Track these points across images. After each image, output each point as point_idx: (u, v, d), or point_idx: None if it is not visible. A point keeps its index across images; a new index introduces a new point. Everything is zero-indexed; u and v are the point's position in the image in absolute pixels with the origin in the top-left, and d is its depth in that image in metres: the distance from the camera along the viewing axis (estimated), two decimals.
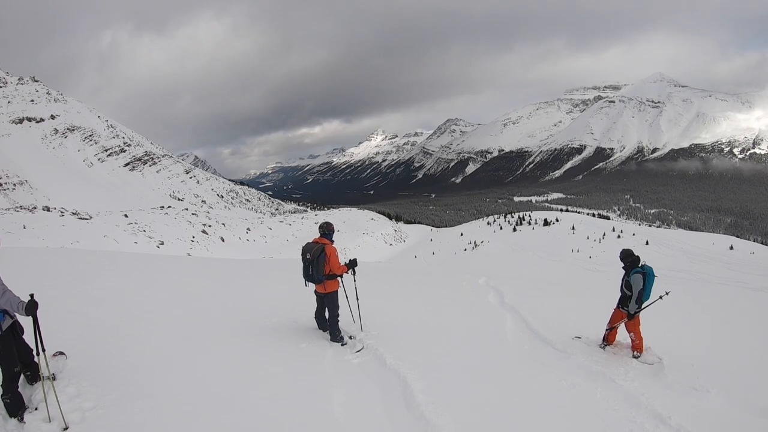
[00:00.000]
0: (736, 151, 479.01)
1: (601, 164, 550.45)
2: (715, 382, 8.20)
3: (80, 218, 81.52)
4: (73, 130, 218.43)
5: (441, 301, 14.83)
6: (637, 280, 9.35)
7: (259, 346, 8.93)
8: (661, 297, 9.91)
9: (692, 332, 12.47)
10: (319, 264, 9.09)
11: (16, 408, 5.81)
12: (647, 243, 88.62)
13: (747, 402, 7.61)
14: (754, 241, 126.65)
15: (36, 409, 5.91)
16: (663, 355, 9.42)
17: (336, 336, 9.45)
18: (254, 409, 6.51)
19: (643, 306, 9.49)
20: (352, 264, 9.72)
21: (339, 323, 9.62)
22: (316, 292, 9.63)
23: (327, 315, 9.63)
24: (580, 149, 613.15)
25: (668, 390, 7.97)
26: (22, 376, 6.16)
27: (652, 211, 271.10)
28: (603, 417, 6.93)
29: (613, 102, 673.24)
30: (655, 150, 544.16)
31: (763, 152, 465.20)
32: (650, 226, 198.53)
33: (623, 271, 9.87)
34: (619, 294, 9.91)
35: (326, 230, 9.55)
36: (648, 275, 9.38)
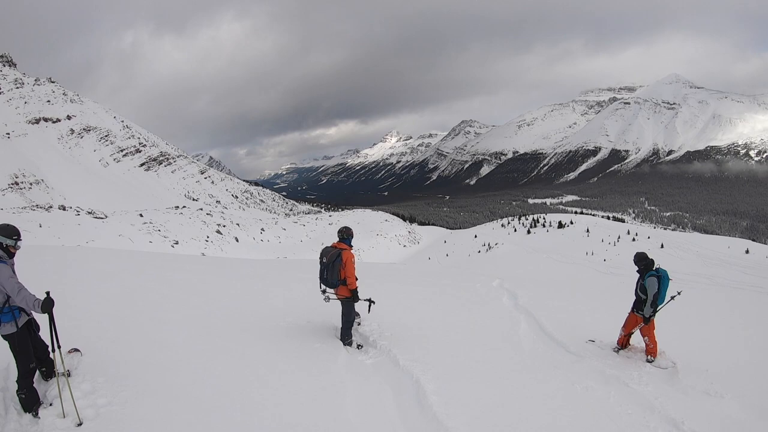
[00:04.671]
0: (752, 153, 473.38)
1: (616, 166, 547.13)
2: (729, 388, 8.14)
3: (96, 217, 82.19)
4: (89, 130, 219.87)
5: (455, 303, 14.79)
6: (652, 284, 9.27)
7: (273, 345, 8.97)
8: (672, 297, 9.87)
9: (706, 337, 12.36)
10: (335, 268, 9.08)
11: (31, 403, 5.89)
12: (662, 246, 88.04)
13: (761, 408, 7.55)
14: None
15: (51, 404, 5.97)
16: (677, 359, 9.35)
17: (346, 340, 9.45)
18: (267, 407, 6.54)
19: (657, 308, 9.43)
20: (355, 297, 9.36)
21: (352, 329, 9.62)
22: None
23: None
24: (594, 151, 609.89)
25: (682, 395, 7.93)
26: (37, 372, 6.24)
27: (668, 214, 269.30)
28: (616, 421, 6.90)
29: (629, 103, 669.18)
30: (670, 152, 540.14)
31: None
32: (665, 229, 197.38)
33: (638, 275, 9.81)
34: (634, 298, 9.86)
35: (345, 235, 9.49)
36: (663, 278, 9.31)
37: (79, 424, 5.64)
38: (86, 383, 6.39)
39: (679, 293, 10.09)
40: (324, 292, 9.57)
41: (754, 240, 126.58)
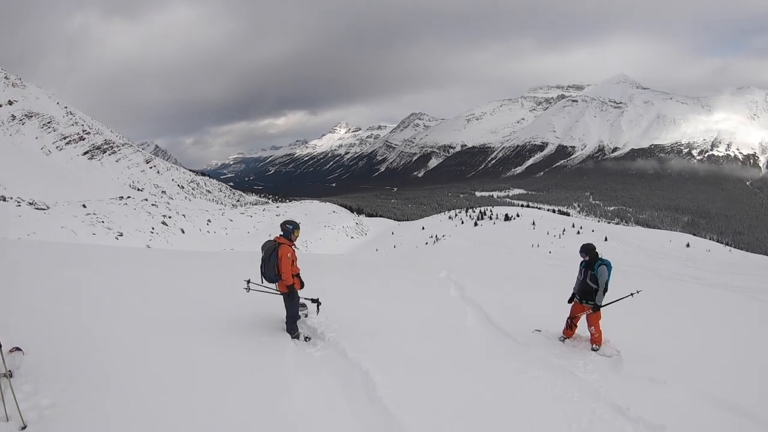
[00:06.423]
0: (694, 152, 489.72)
1: (562, 162, 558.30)
2: (672, 374, 8.38)
3: (37, 208, 79.63)
4: (31, 116, 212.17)
5: (402, 295, 14.87)
6: (603, 273, 9.52)
7: (219, 339, 8.83)
8: (632, 294, 10.21)
9: (650, 326, 12.67)
10: (270, 263, 8.96)
11: None
12: (606, 239, 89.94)
13: (702, 393, 7.79)
14: (709, 239, 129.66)
15: None
16: (621, 347, 9.59)
17: (293, 333, 9.32)
18: (214, 403, 6.43)
19: (609, 301, 9.70)
20: (291, 293, 9.22)
21: (297, 321, 9.50)
22: None
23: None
24: (542, 146, 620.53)
25: (626, 382, 8.14)
26: None
27: (612, 208, 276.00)
28: (563, 408, 7.04)
29: (576, 101, 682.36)
30: (615, 149, 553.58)
31: (720, 154, 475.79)
32: (609, 222, 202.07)
33: (580, 266, 10.06)
34: (577, 288, 10.06)
35: (285, 228, 9.29)
36: (609, 267, 9.60)
37: (23, 428, 5.44)
38: (29, 384, 6.15)
39: (638, 291, 10.41)
40: (248, 282, 9.71)
41: (694, 234, 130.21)
